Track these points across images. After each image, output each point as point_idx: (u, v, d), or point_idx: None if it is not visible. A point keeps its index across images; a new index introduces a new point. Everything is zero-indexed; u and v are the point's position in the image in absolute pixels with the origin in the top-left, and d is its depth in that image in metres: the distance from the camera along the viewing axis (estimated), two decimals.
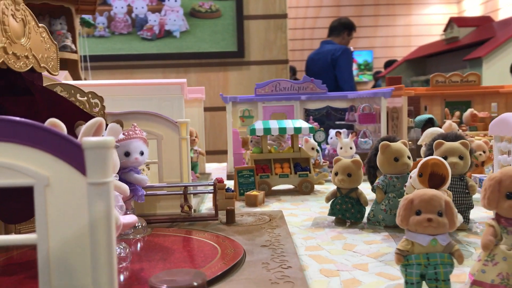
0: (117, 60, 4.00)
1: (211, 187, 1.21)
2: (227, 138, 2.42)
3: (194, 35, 4.15)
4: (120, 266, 0.90)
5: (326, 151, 2.28)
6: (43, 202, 0.52)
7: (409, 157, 1.31)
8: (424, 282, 0.82)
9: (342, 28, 4.64)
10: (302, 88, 2.96)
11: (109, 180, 0.52)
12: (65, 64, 2.53)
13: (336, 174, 1.34)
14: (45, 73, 1.17)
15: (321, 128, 1.91)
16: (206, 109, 2.82)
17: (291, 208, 1.55)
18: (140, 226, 1.12)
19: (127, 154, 1.06)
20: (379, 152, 1.32)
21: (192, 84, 3.94)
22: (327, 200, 1.36)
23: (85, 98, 1.21)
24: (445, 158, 1.23)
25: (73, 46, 2.49)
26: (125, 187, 0.93)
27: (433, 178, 1.00)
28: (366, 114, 2.48)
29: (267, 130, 1.83)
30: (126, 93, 1.41)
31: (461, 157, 1.23)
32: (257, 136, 2.42)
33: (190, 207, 1.25)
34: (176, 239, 1.08)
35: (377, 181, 1.34)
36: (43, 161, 0.52)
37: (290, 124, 1.86)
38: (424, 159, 1.08)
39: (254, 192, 1.67)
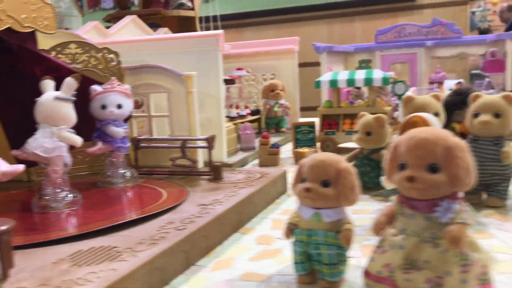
0: (282, 14, 3.97)
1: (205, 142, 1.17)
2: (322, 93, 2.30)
3: None
4: (72, 209, 0.97)
5: None
6: None
7: (436, 114, 1.07)
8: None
9: None
10: (431, 33, 2.60)
11: None
12: (183, 21, 2.68)
13: (356, 132, 1.18)
14: (73, 31, 1.28)
15: (403, 80, 1.65)
16: None
17: None
18: (129, 176, 1.17)
19: (103, 107, 1.10)
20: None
21: (358, 33, 3.73)
22: (349, 160, 1.21)
23: (100, 54, 1.29)
24: (476, 115, 0.98)
25: (189, 4, 2.62)
26: (76, 138, 0.97)
27: None
28: (493, 61, 2.06)
29: (333, 82, 1.66)
30: (164, 47, 1.44)
31: (497, 115, 0.96)
32: (357, 88, 2.24)
33: (194, 161, 1.24)
34: (144, 190, 1.10)
35: None
36: None
37: (361, 74, 1.66)
38: (406, 117, 0.88)
39: (304, 149, 1.57)
